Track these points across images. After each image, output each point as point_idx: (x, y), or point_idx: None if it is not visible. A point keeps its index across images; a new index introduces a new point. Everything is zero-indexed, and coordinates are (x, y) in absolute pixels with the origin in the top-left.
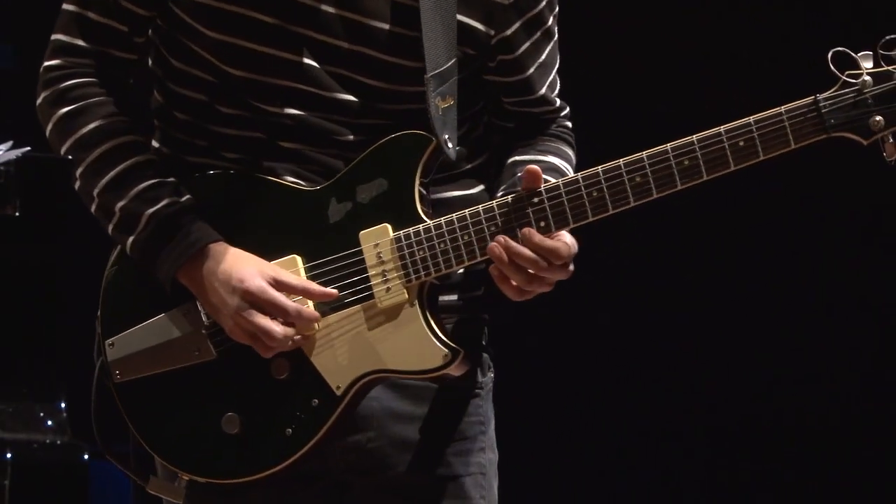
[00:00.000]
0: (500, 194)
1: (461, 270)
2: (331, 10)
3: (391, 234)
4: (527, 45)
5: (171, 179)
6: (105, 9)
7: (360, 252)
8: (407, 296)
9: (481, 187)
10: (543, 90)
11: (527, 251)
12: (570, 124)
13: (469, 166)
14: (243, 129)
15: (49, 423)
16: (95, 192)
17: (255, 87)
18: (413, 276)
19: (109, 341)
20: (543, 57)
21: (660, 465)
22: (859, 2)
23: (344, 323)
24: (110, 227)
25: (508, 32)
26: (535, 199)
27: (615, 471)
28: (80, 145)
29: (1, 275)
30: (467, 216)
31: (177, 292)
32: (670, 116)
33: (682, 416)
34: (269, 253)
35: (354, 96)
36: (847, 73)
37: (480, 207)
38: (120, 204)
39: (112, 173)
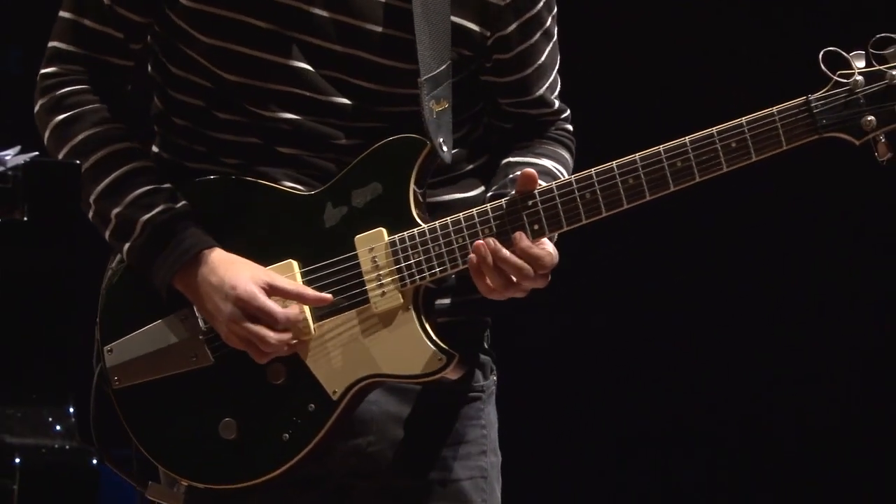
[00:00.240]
0: (490, 194)
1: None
2: (324, 13)
3: (386, 238)
4: (524, 45)
5: (167, 185)
6: (101, 16)
7: (356, 256)
8: (402, 300)
9: (482, 189)
10: (541, 91)
11: (514, 259)
12: (570, 127)
13: (470, 167)
14: (241, 134)
15: (57, 427)
16: (92, 198)
17: (251, 92)
18: (408, 280)
19: (108, 347)
20: (542, 58)
21: (660, 466)
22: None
23: (340, 327)
24: (107, 234)
25: (505, 32)
26: (529, 203)
27: (615, 472)
28: (76, 152)
29: (9, 279)
30: (461, 219)
31: (174, 298)
32: (666, 114)
33: (683, 417)
34: (265, 258)
35: (350, 99)
36: (838, 72)
37: (474, 211)
38: (115, 210)
39: (107, 180)
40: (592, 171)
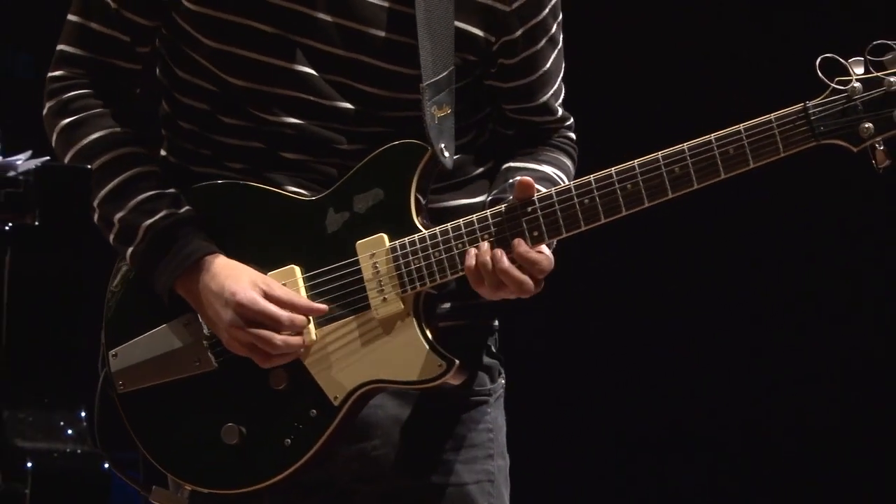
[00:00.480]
0: (490, 199)
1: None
2: (327, 18)
3: (387, 244)
4: (529, 51)
5: (171, 190)
6: (107, 19)
7: (357, 262)
8: (403, 306)
9: (486, 194)
10: (545, 98)
11: (515, 272)
12: (573, 136)
13: (476, 173)
14: (245, 139)
15: (69, 431)
16: (96, 202)
17: (255, 97)
18: (409, 287)
19: (113, 352)
20: (547, 65)
21: (660, 470)
22: (858, 4)
23: (341, 333)
24: (111, 238)
25: (510, 38)
26: (528, 209)
27: (616, 476)
28: (81, 156)
29: (21, 283)
30: (461, 226)
31: (178, 303)
32: (665, 119)
33: (684, 421)
34: (268, 263)
35: (353, 104)
36: (836, 79)
37: (474, 217)
38: (119, 215)
39: (111, 185)
40: (591, 177)
